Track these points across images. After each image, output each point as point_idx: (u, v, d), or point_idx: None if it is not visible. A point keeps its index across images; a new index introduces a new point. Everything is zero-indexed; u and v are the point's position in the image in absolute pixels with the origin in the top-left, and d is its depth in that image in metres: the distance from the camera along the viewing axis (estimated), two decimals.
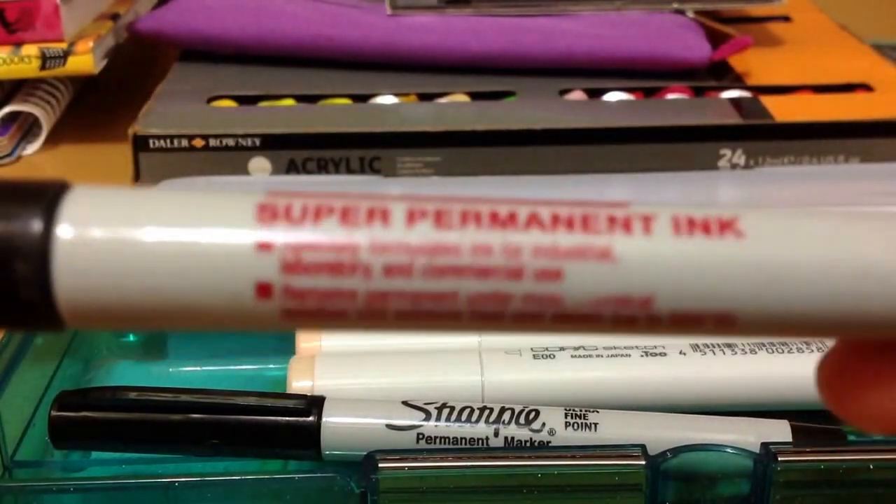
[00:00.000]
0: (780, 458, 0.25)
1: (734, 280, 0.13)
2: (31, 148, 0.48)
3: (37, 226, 0.13)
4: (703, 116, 0.44)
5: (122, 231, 0.13)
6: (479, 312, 0.13)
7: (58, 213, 0.13)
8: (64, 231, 0.13)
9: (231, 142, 0.42)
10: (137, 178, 0.43)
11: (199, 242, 0.13)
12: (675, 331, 0.13)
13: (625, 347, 0.29)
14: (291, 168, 0.43)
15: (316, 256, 0.13)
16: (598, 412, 0.27)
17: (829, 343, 0.15)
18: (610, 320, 0.13)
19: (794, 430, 0.27)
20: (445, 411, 0.27)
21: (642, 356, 0.28)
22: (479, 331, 0.14)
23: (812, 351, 0.28)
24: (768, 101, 0.45)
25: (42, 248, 0.13)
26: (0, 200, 0.13)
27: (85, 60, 0.47)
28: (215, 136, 0.43)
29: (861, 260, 0.13)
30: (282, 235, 0.13)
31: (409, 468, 0.25)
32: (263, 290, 0.13)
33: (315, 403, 0.27)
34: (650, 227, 0.13)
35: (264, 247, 0.13)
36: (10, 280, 0.13)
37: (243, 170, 0.43)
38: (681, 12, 0.52)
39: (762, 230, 0.13)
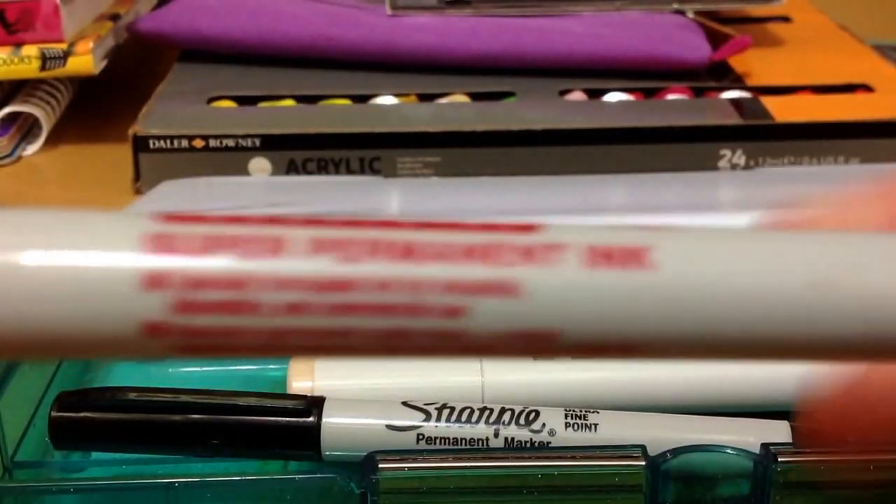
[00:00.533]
0: (780, 459, 0.25)
1: (640, 314, 0.13)
2: (31, 148, 0.48)
3: None
4: (703, 117, 0.44)
5: (3, 254, 0.12)
6: (382, 346, 0.12)
7: None
8: None
9: (231, 142, 0.42)
10: (137, 178, 0.43)
11: (84, 270, 0.12)
12: (580, 357, 0.13)
13: None
14: (291, 168, 0.43)
15: (211, 295, 0.12)
16: (598, 413, 0.27)
17: None
18: (514, 351, 0.13)
19: (794, 430, 0.27)
20: (445, 412, 0.27)
21: None
22: (383, 359, 0.13)
23: None
24: (768, 102, 0.45)
25: None
26: None
27: (85, 61, 0.47)
28: (215, 137, 0.43)
29: (769, 286, 0.13)
30: (174, 270, 0.12)
31: (409, 469, 0.25)
32: (153, 329, 0.12)
33: (315, 404, 0.27)
34: (559, 259, 0.12)
35: (154, 282, 0.12)
36: None
37: (243, 170, 0.43)
38: (681, 13, 0.52)
39: (671, 260, 0.13)
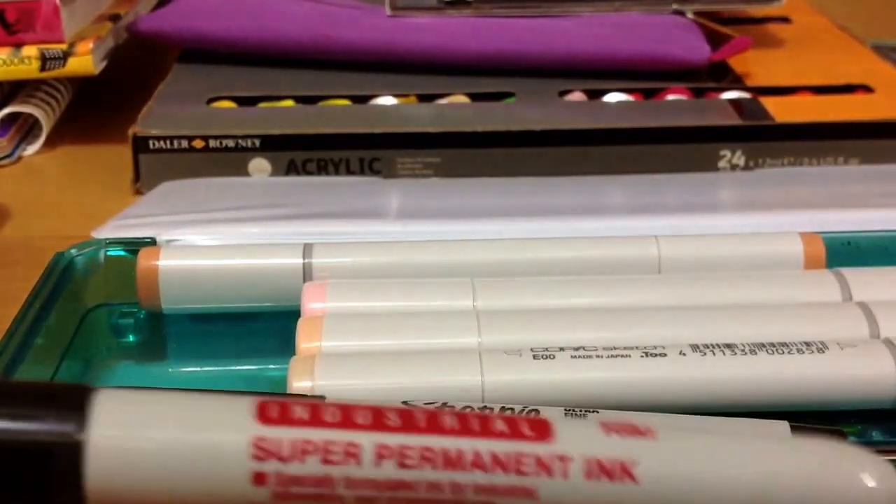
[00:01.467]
0: None
1: None
2: (31, 149, 0.48)
3: (71, 429, 0.15)
4: (702, 117, 0.44)
5: (144, 433, 0.15)
6: None
7: (89, 418, 0.15)
8: (96, 435, 0.15)
9: (231, 143, 0.43)
10: (137, 178, 0.43)
11: (202, 461, 0.15)
12: None
13: (624, 348, 0.29)
14: (291, 169, 0.43)
15: (301, 490, 0.16)
16: (597, 413, 0.27)
17: None
18: None
19: (794, 430, 0.27)
20: None
21: (642, 357, 0.28)
22: None
23: (812, 352, 0.28)
24: (768, 102, 0.45)
25: (76, 451, 0.15)
26: (34, 405, 0.15)
27: (85, 61, 0.47)
28: (215, 137, 0.43)
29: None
30: (273, 469, 0.15)
31: None
32: None
33: None
34: (567, 472, 0.16)
35: (259, 479, 0.15)
36: (44, 479, 0.15)
37: (243, 170, 0.43)
38: (680, 13, 0.52)
39: (653, 476, 0.16)
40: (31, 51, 0.46)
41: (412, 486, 0.16)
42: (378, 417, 0.16)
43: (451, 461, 0.16)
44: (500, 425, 0.16)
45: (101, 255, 0.34)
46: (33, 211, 0.43)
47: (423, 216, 0.39)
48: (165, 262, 0.32)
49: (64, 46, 0.47)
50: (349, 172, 0.43)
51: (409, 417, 0.16)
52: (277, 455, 0.15)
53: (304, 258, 0.32)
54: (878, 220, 0.37)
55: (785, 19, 0.57)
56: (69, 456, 0.15)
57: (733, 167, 0.43)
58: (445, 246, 0.33)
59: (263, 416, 0.16)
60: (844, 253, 0.34)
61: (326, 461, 0.16)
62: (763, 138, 0.43)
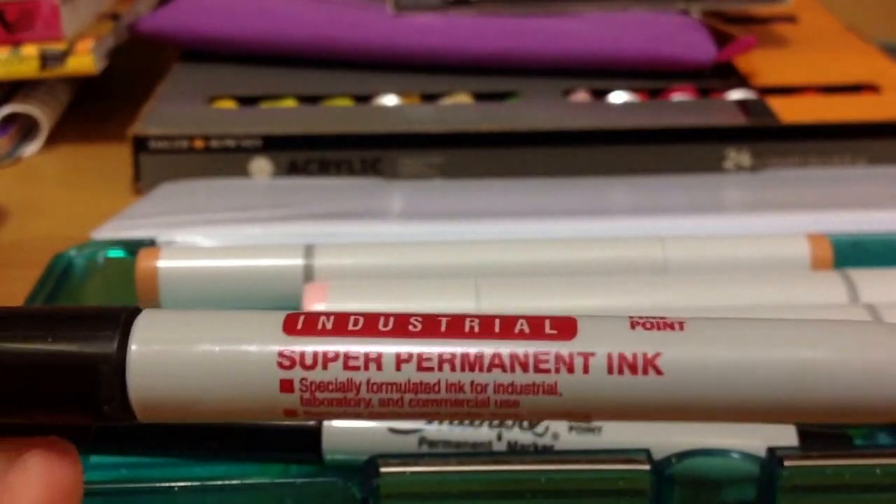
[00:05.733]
0: (786, 463, 0.25)
1: (652, 408, 0.17)
2: (31, 148, 0.48)
3: (114, 346, 0.16)
4: (708, 117, 0.44)
5: (180, 348, 0.17)
6: (456, 418, 0.19)
7: (131, 335, 0.17)
8: (135, 350, 0.17)
9: (232, 143, 0.42)
10: (138, 178, 0.43)
11: (234, 372, 0.17)
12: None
13: None
14: (293, 169, 0.43)
15: (327, 395, 0.17)
16: None
17: None
18: (552, 419, 0.18)
19: (801, 434, 0.27)
20: None
21: None
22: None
23: None
24: (774, 102, 0.45)
25: (120, 365, 0.16)
26: (80, 325, 0.17)
27: (85, 61, 0.46)
28: (216, 137, 0.42)
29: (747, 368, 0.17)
30: (299, 376, 0.17)
31: (411, 472, 0.25)
32: (288, 412, 0.17)
33: None
34: (588, 366, 0.16)
35: (286, 386, 0.16)
36: (94, 391, 0.16)
37: (244, 171, 0.43)
38: (685, 13, 0.51)
39: (676, 367, 0.16)
40: (30, 50, 0.46)
41: (432, 387, 0.16)
42: (400, 324, 0.17)
43: (470, 363, 0.16)
44: (522, 326, 0.17)
45: (101, 256, 0.33)
46: (32, 211, 0.43)
47: (425, 217, 0.39)
48: (165, 263, 0.32)
49: (64, 46, 0.46)
50: (351, 173, 0.43)
51: (432, 322, 0.17)
52: (301, 363, 0.16)
53: (305, 259, 0.32)
54: (885, 221, 0.37)
55: (791, 18, 0.57)
56: (114, 369, 0.16)
57: (739, 167, 0.43)
58: (448, 247, 0.33)
59: (290, 328, 0.17)
60: (852, 254, 0.33)
61: (348, 367, 0.16)
62: (769, 139, 0.43)
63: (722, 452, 0.26)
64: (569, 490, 0.25)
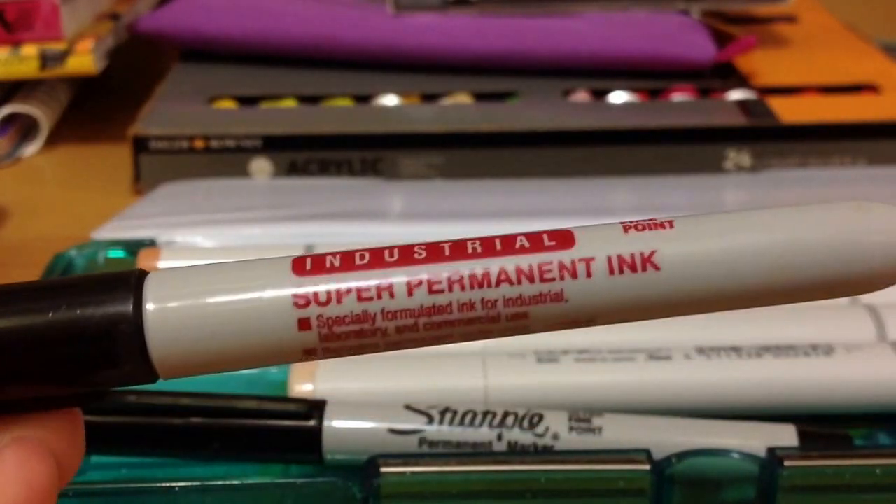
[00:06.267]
0: (786, 463, 0.25)
1: (654, 304, 0.17)
2: (31, 149, 0.48)
3: (130, 306, 0.17)
4: (708, 117, 0.44)
5: (194, 301, 0.17)
6: (468, 339, 0.18)
7: (144, 295, 0.17)
8: (151, 308, 0.17)
9: (232, 143, 0.42)
10: (138, 179, 0.43)
11: (250, 318, 0.17)
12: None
13: (629, 351, 0.28)
14: (293, 169, 0.43)
15: (344, 328, 0.17)
16: (602, 416, 0.27)
17: None
18: (561, 328, 0.18)
19: (801, 434, 0.27)
20: (448, 415, 0.26)
21: (647, 360, 0.28)
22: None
23: (819, 355, 0.28)
24: (774, 102, 0.45)
25: (137, 324, 0.17)
26: (92, 290, 0.17)
27: (85, 61, 0.46)
28: (216, 137, 0.42)
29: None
30: (315, 313, 0.17)
31: (412, 473, 0.25)
32: (308, 352, 0.17)
33: (316, 407, 0.27)
34: (590, 271, 0.17)
35: (304, 324, 0.17)
36: (114, 353, 0.17)
37: (244, 171, 0.42)
38: (685, 13, 0.51)
39: (672, 261, 0.17)
40: (30, 50, 0.46)
41: (445, 308, 0.17)
42: (405, 253, 0.17)
43: (479, 281, 0.17)
44: (522, 242, 0.17)
45: (101, 256, 0.33)
46: (32, 211, 0.43)
47: (425, 217, 0.39)
48: (165, 263, 0.32)
49: (64, 46, 0.46)
50: (351, 173, 0.43)
51: (435, 249, 0.17)
52: (315, 300, 0.17)
53: None
54: None
55: (791, 18, 0.57)
56: (133, 328, 0.17)
57: (739, 168, 0.43)
58: None
59: (299, 270, 0.17)
60: None
61: (362, 299, 0.17)
62: (769, 139, 0.43)
63: (722, 452, 0.26)
64: (569, 490, 0.25)
